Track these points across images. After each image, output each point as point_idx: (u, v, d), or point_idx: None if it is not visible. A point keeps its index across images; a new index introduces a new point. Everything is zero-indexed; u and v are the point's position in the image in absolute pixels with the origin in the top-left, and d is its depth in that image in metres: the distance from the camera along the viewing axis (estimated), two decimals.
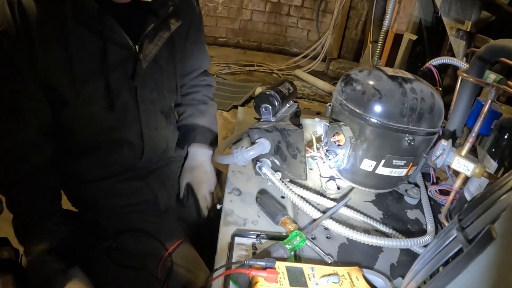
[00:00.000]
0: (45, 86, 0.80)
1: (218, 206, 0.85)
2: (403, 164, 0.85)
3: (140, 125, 0.94)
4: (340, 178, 0.95)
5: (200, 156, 1.13)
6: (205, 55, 1.17)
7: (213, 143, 1.17)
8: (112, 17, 0.78)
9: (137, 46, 0.83)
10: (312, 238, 0.76)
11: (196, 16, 1.03)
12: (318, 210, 0.80)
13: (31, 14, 0.73)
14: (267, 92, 0.86)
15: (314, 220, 0.79)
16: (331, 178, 0.95)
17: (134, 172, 1.00)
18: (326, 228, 0.78)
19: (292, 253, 0.69)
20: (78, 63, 0.78)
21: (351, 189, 0.94)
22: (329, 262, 0.70)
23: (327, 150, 0.87)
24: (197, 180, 1.08)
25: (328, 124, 0.91)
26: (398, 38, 2.81)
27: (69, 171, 0.99)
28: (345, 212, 0.83)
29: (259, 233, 0.74)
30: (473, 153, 0.97)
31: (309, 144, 0.94)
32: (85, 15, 0.76)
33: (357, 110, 0.84)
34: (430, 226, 0.82)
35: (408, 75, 0.86)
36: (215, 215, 1.10)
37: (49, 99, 0.83)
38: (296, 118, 0.95)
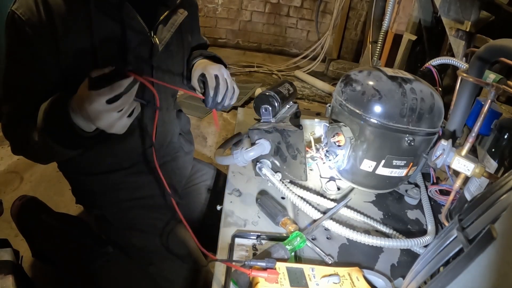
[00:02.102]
0: (66, 70, 0.83)
1: (219, 207, 0.85)
2: (403, 164, 0.85)
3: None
4: (340, 179, 0.95)
5: (211, 62, 1.02)
6: (203, 44, 1.21)
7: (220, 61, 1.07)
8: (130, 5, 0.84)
9: (152, 32, 0.89)
10: (312, 239, 0.76)
11: (196, 8, 1.11)
12: (318, 210, 0.80)
13: (53, 4, 0.78)
14: (267, 93, 0.86)
15: (315, 220, 0.79)
16: (331, 178, 0.96)
17: (143, 165, 1.01)
18: (326, 229, 0.78)
19: (293, 253, 0.69)
20: (100, 48, 0.83)
21: (351, 189, 0.94)
22: (330, 262, 0.70)
23: (327, 151, 0.87)
24: (212, 67, 0.94)
25: (328, 125, 0.91)
26: (397, 38, 2.81)
27: (81, 163, 0.99)
28: (345, 212, 0.83)
29: (259, 234, 0.74)
30: (473, 153, 0.97)
31: (309, 144, 0.95)
32: (106, 3, 0.81)
33: (357, 111, 0.84)
34: (430, 226, 0.82)
35: (408, 75, 0.86)
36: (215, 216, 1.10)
37: (67, 84, 0.85)
38: (296, 118, 0.95)
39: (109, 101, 0.67)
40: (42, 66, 0.81)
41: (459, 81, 0.95)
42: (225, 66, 1.05)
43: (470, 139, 0.74)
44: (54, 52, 0.80)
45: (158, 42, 0.90)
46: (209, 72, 0.91)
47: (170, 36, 0.93)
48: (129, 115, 0.74)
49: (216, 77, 0.90)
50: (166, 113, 1.03)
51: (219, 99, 0.90)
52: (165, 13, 0.91)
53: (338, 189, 0.92)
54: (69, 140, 0.78)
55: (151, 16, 0.90)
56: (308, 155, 0.94)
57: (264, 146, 0.84)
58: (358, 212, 0.84)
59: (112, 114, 0.70)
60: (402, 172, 0.86)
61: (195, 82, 0.97)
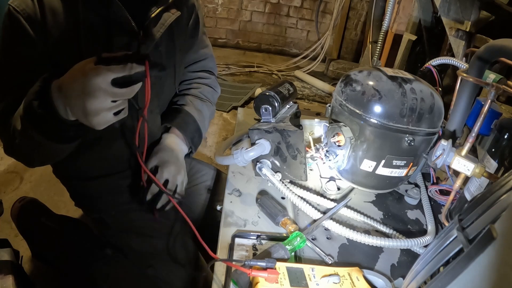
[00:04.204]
0: (54, 67, 0.81)
1: (219, 207, 0.85)
2: (403, 164, 0.85)
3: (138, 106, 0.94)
4: (340, 179, 0.95)
5: (174, 144, 1.02)
6: (206, 50, 1.18)
7: (194, 139, 1.07)
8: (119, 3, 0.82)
9: (141, 32, 0.87)
10: (312, 239, 0.76)
11: (194, 10, 1.06)
12: (318, 210, 0.80)
13: (46, 1, 0.78)
14: (267, 93, 0.86)
15: (315, 220, 0.79)
16: (331, 178, 0.95)
17: (137, 169, 1.00)
18: (326, 229, 0.78)
19: (293, 253, 0.69)
20: (87, 47, 0.82)
21: (351, 189, 0.94)
22: (330, 262, 0.70)
23: (327, 151, 0.87)
24: (164, 160, 0.95)
25: (328, 125, 0.91)
26: (397, 38, 2.81)
27: (74, 169, 0.99)
28: (345, 212, 0.83)
29: (259, 234, 0.74)
30: (473, 153, 0.97)
31: (309, 145, 0.95)
32: (95, 1, 0.79)
33: (357, 111, 0.84)
34: (430, 226, 0.82)
35: (408, 75, 0.86)
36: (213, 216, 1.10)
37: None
38: (296, 119, 0.95)
39: (114, 83, 0.63)
40: (36, 60, 0.80)
41: (459, 81, 0.95)
42: (194, 138, 1.06)
43: (470, 139, 0.74)
44: (46, 47, 0.80)
45: (146, 42, 0.88)
46: (163, 172, 0.92)
47: (160, 36, 0.90)
48: (116, 113, 0.68)
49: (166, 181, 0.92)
50: (151, 115, 0.99)
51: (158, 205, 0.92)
52: (155, 12, 0.87)
53: (338, 189, 0.92)
54: (48, 126, 0.70)
55: (142, 15, 0.87)
56: (308, 155, 0.94)
57: (264, 146, 0.84)
58: (358, 212, 0.84)
59: (107, 100, 0.64)
60: (402, 172, 0.86)
61: (148, 166, 0.94)
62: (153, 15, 0.87)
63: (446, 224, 0.82)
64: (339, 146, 0.84)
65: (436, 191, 0.96)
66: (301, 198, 0.83)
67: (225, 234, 0.74)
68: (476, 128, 0.74)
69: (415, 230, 0.84)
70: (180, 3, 0.94)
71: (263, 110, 0.86)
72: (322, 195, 0.88)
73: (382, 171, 0.86)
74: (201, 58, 1.18)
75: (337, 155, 0.87)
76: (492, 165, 0.79)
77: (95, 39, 0.83)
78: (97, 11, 0.81)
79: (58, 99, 0.67)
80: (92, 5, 0.80)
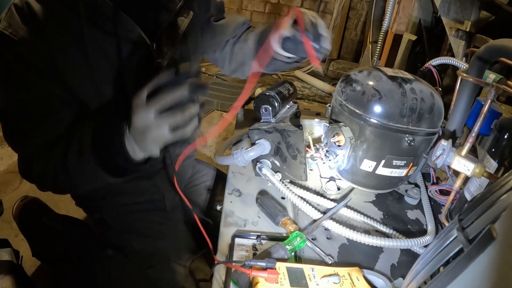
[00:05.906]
0: (66, 88, 0.76)
1: (219, 207, 0.85)
2: (403, 164, 0.85)
3: None
4: (340, 179, 0.95)
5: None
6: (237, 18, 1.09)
7: None
8: (126, 14, 0.75)
9: (154, 44, 0.81)
10: (312, 239, 0.76)
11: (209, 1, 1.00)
12: (318, 210, 0.80)
13: (43, 19, 0.70)
14: (267, 93, 0.86)
15: (315, 220, 0.79)
16: (331, 178, 0.95)
17: (142, 171, 1.00)
18: (326, 229, 0.78)
19: (293, 253, 0.69)
20: (97, 65, 0.75)
21: (351, 189, 0.94)
22: (330, 262, 0.70)
23: (327, 151, 0.87)
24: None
25: (328, 125, 0.91)
26: (397, 38, 2.81)
27: None
28: (345, 212, 0.83)
29: (259, 234, 0.74)
30: (473, 153, 0.97)
31: (309, 145, 0.95)
32: (98, 15, 0.73)
33: (357, 111, 0.84)
34: (430, 226, 0.82)
35: (408, 75, 0.86)
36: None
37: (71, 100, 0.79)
38: (296, 119, 0.95)
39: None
40: (48, 86, 0.73)
41: (459, 81, 0.95)
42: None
43: (470, 139, 0.74)
44: (54, 70, 0.72)
45: (162, 56, 0.81)
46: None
47: (174, 45, 0.83)
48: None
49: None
50: None
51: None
52: (166, 23, 0.82)
53: (338, 189, 0.92)
54: (118, 168, 0.73)
55: (153, 24, 0.80)
56: (308, 155, 0.94)
57: (264, 146, 0.84)
58: (358, 212, 0.84)
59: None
60: (402, 172, 0.86)
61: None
62: (164, 25, 0.81)
63: (446, 224, 0.82)
64: (339, 146, 0.84)
65: (436, 191, 0.96)
66: (301, 198, 0.83)
67: (225, 234, 0.74)
68: (476, 128, 0.74)
69: (415, 230, 0.84)
70: (190, 2, 0.87)
71: (263, 110, 0.86)
72: (322, 195, 0.88)
73: (382, 171, 0.86)
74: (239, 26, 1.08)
75: (337, 155, 0.87)
76: (492, 165, 0.79)
77: (105, 59, 0.76)
78: (103, 27, 0.74)
79: (134, 145, 0.70)
80: (97, 21, 0.73)
